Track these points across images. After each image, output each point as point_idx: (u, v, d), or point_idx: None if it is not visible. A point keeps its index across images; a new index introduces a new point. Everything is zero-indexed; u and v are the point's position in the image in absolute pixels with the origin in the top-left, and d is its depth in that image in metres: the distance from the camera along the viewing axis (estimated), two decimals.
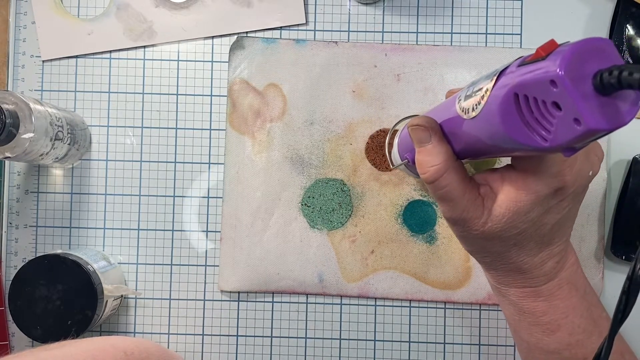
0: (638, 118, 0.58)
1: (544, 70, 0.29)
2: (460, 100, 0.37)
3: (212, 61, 0.59)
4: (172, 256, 0.59)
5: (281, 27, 0.59)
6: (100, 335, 0.59)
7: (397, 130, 0.54)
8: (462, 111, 0.36)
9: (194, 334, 0.59)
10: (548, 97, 0.29)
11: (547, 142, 0.30)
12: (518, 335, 0.44)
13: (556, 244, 0.39)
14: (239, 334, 0.59)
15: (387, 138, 0.57)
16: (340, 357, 0.58)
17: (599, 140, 0.35)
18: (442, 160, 0.38)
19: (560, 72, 0.28)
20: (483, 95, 0.34)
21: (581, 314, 0.41)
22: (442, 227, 0.58)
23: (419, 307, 0.58)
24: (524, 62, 0.31)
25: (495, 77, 0.33)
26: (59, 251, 0.55)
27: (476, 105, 0.34)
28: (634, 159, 0.57)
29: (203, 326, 0.59)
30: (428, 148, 0.38)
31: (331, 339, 0.58)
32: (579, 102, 0.27)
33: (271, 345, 0.59)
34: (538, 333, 0.42)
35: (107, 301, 0.54)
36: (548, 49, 0.30)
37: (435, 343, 0.58)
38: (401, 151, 0.50)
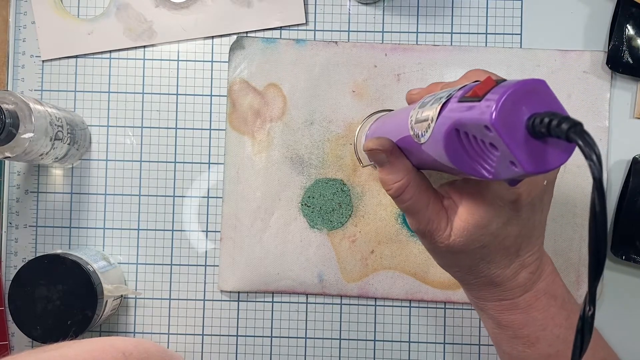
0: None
1: (479, 114, 0.29)
2: (412, 120, 0.37)
3: (212, 61, 0.59)
4: (172, 256, 0.59)
5: (281, 27, 0.59)
6: (100, 335, 0.59)
7: (365, 128, 0.54)
8: (414, 134, 0.36)
9: (194, 334, 0.59)
10: (485, 138, 0.29)
11: (490, 175, 0.31)
12: (500, 348, 0.45)
13: (526, 255, 0.39)
14: (239, 334, 0.59)
15: (355, 137, 0.56)
16: (340, 357, 0.58)
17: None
18: (402, 176, 0.39)
19: (492, 121, 0.28)
20: (429, 124, 0.34)
21: (560, 324, 0.41)
22: None
23: (419, 307, 0.58)
24: (463, 96, 0.31)
25: (439, 107, 0.33)
26: (58, 251, 0.55)
27: (424, 131, 0.34)
28: (634, 159, 0.57)
29: (203, 326, 0.59)
30: (387, 168, 0.39)
31: (331, 339, 0.58)
32: (513, 148, 0.28)
33: (271, 345, 0.59)
34: (519, 346, 0.42)
35: (107, 301, 0.54)
36: (484, 89, 0.29)
37: (435, 343, 0.58)
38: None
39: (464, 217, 0.37)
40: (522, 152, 0.28)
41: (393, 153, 0.39)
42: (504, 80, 0.30)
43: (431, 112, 0.34)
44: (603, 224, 0.26)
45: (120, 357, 0.45)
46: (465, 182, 0.38)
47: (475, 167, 0.31)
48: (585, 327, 0.29)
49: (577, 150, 0.28)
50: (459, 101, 0.31)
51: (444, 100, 0.33)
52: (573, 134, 0.25)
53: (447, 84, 0.39)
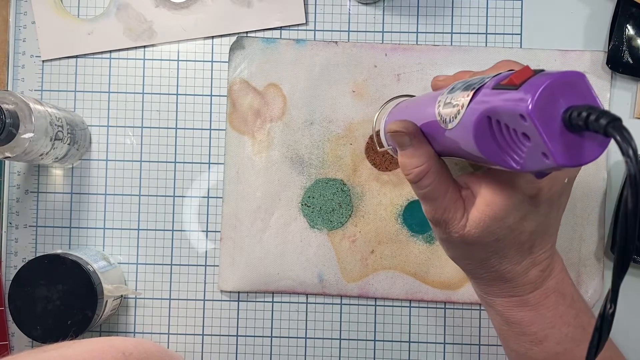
0: (639, 117, 0.58)
1: (515, 102, 0.29)
2: (439, 105, 0.36)
3: (212, 61, 0.59)
4: (172, 256, 0.59)
5: (281, 27, 0.59)
6: (100, 335, 0.59)
7: (385, 112, 0.54)
8: (441, 120, 0.36)
9: (194, 334, 0.59)
10: (518, 128, 0.29)
11: (518, 166, 0.31)
12: (507, 345, 0.44)
13: (539, 252, 0.39)
14: (239, 334, 0.59)
15: (374, 120, 0.56)
16: (340, 357, 0.58)
17: None
18: (424, 161, 0.38)
19: (529, 110, 0.27)
20: (459, 110, 0.33)
21: (569, 322, 0.41)
22: None
23: (419, 307, 0.58)
24: (498, 84, 0.31)
25: (471, 93, 0.33)
26: (58, 251, 0.55)
27: (453, 117, 0.34)
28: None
29: (203, 326, 0.59)
30: (409, 151, 0.39)
31: (331, 339, 0.58)
32: (547, 139, 0.28)
33: (271, 345, 0.59)
34: (526, 343, 0.42)
35: (107, 301, 0.54)
36: (521, 77, 0.29)
37: (435, 343, 0.58)
38: (387, 137, 0.50)
39: (481, 208, 0.37)
40: (557, 144, 0.28)
41: (416, 136, 0.38)
42: (542, 70, 0.30)
43: (463, 98, 0.33)
44: (634, 221, 0.25)
45: (120, 357, 0.45)
46: (485, 174, 0.38)
47: (503, 157, 0.31)
48: (604, 325, 0.28)
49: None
50: (494, 88, 0.31)
51: (476, 87, 0.33)
52: (612, 129, 0.25)
53: (476, 73, 0.39)
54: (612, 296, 0.28)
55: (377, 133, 0.54)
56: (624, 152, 0.25)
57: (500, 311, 0.42)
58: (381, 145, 0.53)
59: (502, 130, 0.30)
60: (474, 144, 0.32)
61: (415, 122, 0.39)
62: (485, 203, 0.37)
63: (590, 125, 0.26)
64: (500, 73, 0.33)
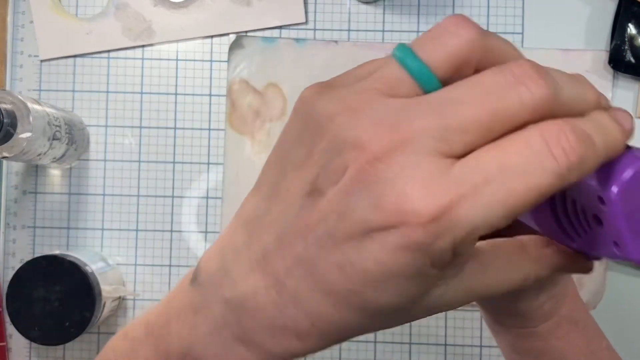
0: (639, 117, 0.58)
1: (595, 179, 0.24)
2: None
3: (211, 61, 0.59)
4: (170, 257, 0.59)
5: (281, 26, 0.59)
6: (99, 336, 0.59)
7: None
8: None
9: None
10: (590, 208, 0.25)
11: (574, 244, 0.27)
12: None
13: (557, 285, 0.39)
14: None
15: None
16: (340, 357, 0.58)
17: None
18: None
19: (614, 195, 0.23)
20: None
21: (580, 350, 0.40)
22: None
23: None
24: None
25: None
26: (57, 252, 0.54)
27: None
28: None
29: None
30: None
31: None
32: (625, 232, 0.23)
33: None
34: None
35: (105, 302, 0.54)
36: None
37: (437, 345, 0.58)
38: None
39: None
40: (635, 238, 0.23)
41: None
42: (630, 147, 0.25)
43: None
44: None
45: None
46: (520, 226, 0.36)
47: (558, 231, 0.27)
48: None
49: None
50: None
51: None
52: None
53: None
54: None
55: None
56: None
57: (509, 339, 0.41)
58: None
59: (566, 205, 0.26)
60: (528, 214, 0.28)
61: None
62: None
63: None
64: None
